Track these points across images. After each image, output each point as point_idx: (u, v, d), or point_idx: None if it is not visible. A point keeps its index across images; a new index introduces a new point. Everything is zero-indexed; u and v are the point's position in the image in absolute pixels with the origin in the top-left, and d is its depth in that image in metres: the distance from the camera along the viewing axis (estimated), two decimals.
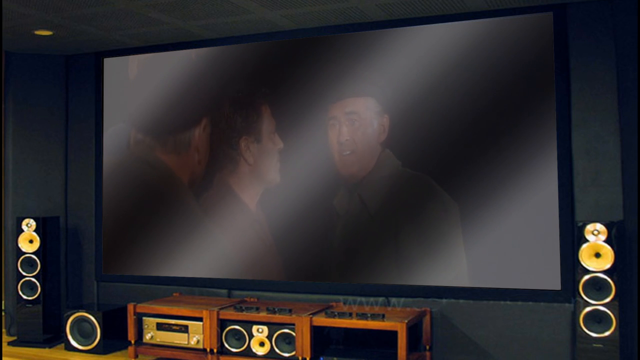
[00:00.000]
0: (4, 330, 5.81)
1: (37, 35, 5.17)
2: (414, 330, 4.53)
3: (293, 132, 5.08)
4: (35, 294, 5.40)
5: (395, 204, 4.76)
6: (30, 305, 5.42)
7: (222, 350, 4.70)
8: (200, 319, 4.75)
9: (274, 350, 4.55)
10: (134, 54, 5.63)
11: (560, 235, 4.37)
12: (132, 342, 4.95)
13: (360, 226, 4.86)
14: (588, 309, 4.03)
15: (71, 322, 5.23)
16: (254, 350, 4.61)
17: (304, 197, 5.03)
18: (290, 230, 5.07)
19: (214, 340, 4.68)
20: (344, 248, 4.91)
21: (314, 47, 5.05)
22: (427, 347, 4.60)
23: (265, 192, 5.16)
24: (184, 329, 4.81)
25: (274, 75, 5.16)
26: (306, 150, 5.03)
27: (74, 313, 5.23)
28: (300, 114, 5.05)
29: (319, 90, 4.99)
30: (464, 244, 4.58)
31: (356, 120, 4.88)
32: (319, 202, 4.98)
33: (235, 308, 4.77)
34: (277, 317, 4.55)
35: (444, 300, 4.64)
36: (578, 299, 4.07)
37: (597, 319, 4.01)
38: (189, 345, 4.79)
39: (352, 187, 4.89)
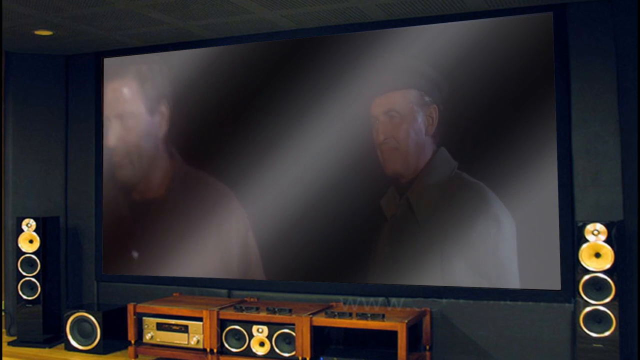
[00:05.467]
0: (4, 330, 5.81)
1: (37, 35, 5.17)
2: (414, 330, 4.53)
3: (329, 131, 4.99)
4: (35, 294, 5.40)
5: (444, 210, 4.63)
6: (30, 305, 5.42)
7: (222, 350, 4.70)
8: (200, 319, 4.75)
9: (274, 350, 4.55)
10: (133, 54, 5.63)
11: (560, 235, 4.37)
12: (132, 342, 4.95)
13: (406, 233, 4.74)
14: (588, 309, 4.03)
15: (71, 322, 5.23)
16: (254, 350, 4.61)
17: (346, 198, 4.90)
18: (328, 231, 4.97)
19: (214, 340, 4.68)
20: (387, 254, 4.79)
21: (335, 45, 5.01)
22: (427, 347, 4.60)
23: (302, 191, 5.05)
24: (184, 329, 4.81)
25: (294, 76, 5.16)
26: (347, 150, 4.93)
27: (74, 313, 5.23)
28: (337, 114, 4.94)
29: (354, 87, 4.89)
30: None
31: (395, 116, 4.77)
32: (363, 204, 4.84)
33: (235, 308, 4.77)
34: (277, 317, 4.55)
35: (444, 300, 4.64)
36: (578, 299, 4.07)
37: (597, 319, 4.01)
38: (189, 345, 4.79)
39: (400, 189, 4.75)
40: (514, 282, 4.47)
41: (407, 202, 4.74)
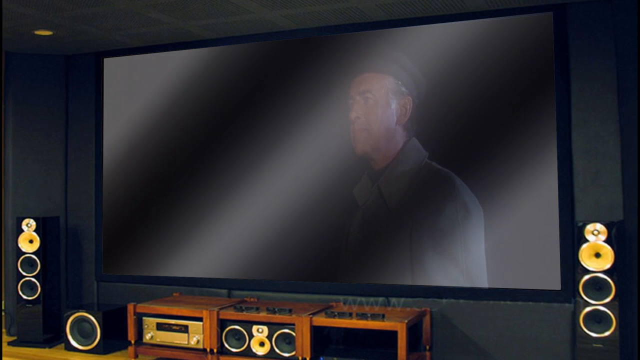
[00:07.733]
0: (4, 330, 5.81)
1: (37, 35, 5.17)
2: (414, 330, 4.53)
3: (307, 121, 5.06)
4: (35, 294, 5.40)
5: (414, 200, 4.72)
6: (30, 305, 5.42)
7: (222, 350, 4.70)
8: (200, 319, 4.75)
9: (274, 350, 4.55)
10: (134, 54, 5.64)
11: (560, 235, 4.37)
12: (132, 342, 4.95)
13: (377, 220, 4.81)
14: (588, 309, 4.03)
15: (71, 322, 5.23)
16: (254, 350, 4.61)
17: (320, 186, 4.99)
18: (302, 221, 5.04)
19: (214, 340, 4.68)
20: (359, 241, 4.86)
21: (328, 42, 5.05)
22: (427, 347, 4.61)
23: (278, 181, 5.12)
24: (184, 329, 4.81)
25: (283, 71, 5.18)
26: (325, 137, 5.01)
27: (74, 313, 5.23)
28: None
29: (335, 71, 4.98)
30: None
31: (370, 98, 4.84)
32: (337, 191, 4.93)
33: (235, 308, 4.77)
34: (277, 317, 4.55)
35: (444, 300, 4.64)
36: (578, 299, 4.08)
37: (597, 319, 4.01)
38: (189, 345, 4.79)
39: (373, 177, 4.83)
40: (480, 266, 4.52)
41: (378, 190, 4.78)
